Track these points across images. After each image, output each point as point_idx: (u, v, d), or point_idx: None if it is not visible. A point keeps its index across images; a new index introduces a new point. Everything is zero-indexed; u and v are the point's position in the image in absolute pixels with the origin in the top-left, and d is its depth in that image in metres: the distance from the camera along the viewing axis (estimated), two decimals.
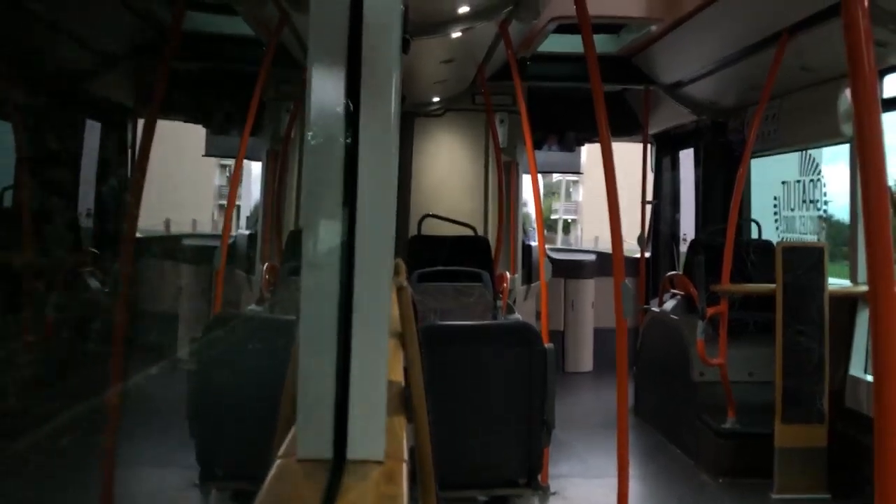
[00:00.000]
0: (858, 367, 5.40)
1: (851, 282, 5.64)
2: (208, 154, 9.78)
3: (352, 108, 1.38)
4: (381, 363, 1.42)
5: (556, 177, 30.61)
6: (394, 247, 1.48)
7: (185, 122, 8.59)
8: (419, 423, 1.86)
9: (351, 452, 1.40)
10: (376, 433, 1.40)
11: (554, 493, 5.11)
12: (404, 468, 1.43)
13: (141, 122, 6.64)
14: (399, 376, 2.17)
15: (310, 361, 1.42)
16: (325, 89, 1.39)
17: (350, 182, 1.40)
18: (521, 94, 5.53)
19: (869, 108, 1.62)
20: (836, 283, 5.51)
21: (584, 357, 9.05)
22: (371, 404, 1.41)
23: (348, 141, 1.40)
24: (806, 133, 6.12)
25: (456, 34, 4.96)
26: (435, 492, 1.94)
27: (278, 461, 1.41)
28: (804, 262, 5.24)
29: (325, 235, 1.48)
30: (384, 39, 1.36)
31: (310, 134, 1.42)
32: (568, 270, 9.00)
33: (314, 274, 1.48)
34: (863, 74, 1.61)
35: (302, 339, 1.42)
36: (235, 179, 6.00)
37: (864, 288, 5.48)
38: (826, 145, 6.15)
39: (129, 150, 8.12)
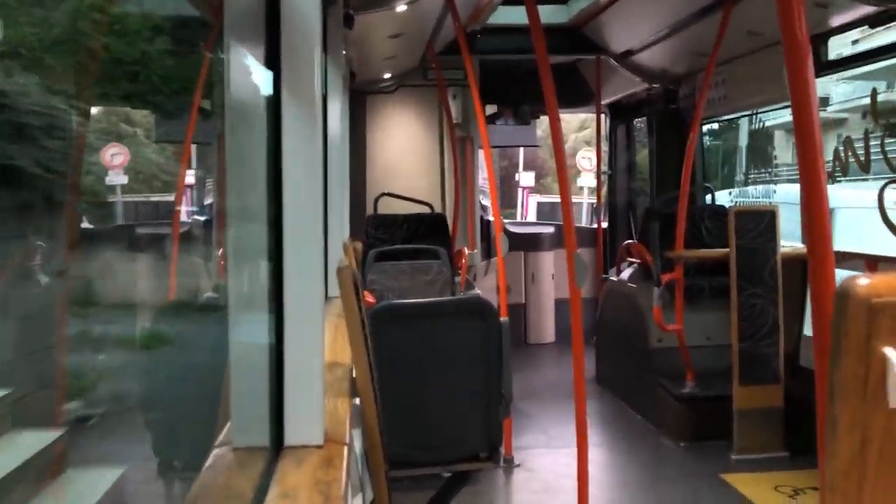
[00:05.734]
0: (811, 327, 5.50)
1: (803, 243, 5.72)
2: (158, 140, 9.57)
3: (272, 81, 1.33)
4: (316, 347, 1.39)
5: None
6: (330, 224, 1.44)
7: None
8: (365, 403, 1.84)
9: (288, 438, 1.37)
10: (314, 418, 1.38)
11: (517, 465, 5.15)
12: (345, 451, 1.40)
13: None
14: (347, 358, 2.13)
15: (242, 349, 1.38)
16: (243, 65, 1.33)
17: (275, 161, 1.35)
18: (471, 69, 5.48)
19: (802, 72, 1.61)
20: (788, 244, 5.59)
21: (545, 329, 9.11)
22: (307, 389, 1.38)
23: (271, 117, 1.35)
24: (754, 98, 6.17)
25: (401, 8, 4.89)
26: (385, 470, 1.92)
27: (214, 450, 1.38)
28: (756, 226, 5.31)
29: (252, 217, 1.44)
30: (302, 8, 1.31)
31: (229, 111, 1.37)
32: (527, 244, 9.02)
33: (242, 258, 1.44)
34: (794, 36, 1.60)
35: (232, 326, 1.39)
36: (185, 163, 5.88)
37: None
38: (773, 109, 6.21)
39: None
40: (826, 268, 1.35)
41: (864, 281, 0.57)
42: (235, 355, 1.39)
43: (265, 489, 1.19)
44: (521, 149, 20.15)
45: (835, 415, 0.54)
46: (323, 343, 1.41)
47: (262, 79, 1.33)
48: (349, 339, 1.84)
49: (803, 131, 1.56)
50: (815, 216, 1.46)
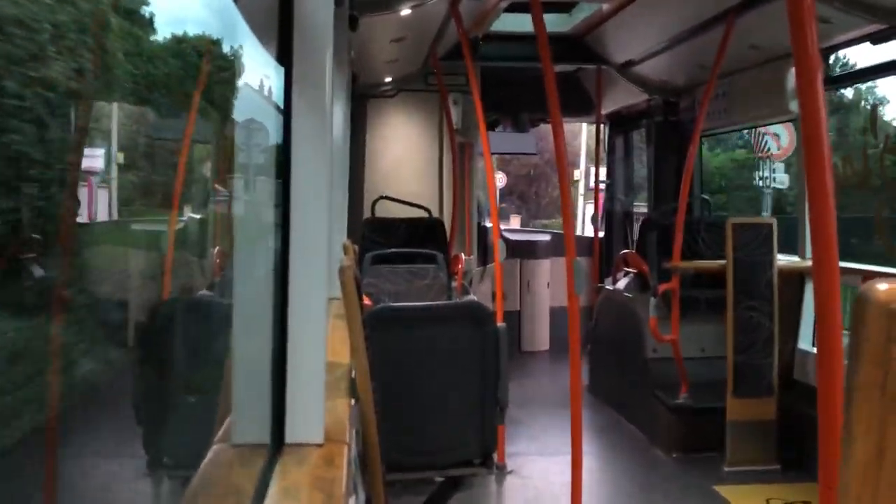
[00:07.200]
0: (806, 341, 5.51)
1: (799, 257, 5.73)
2: (156, 137, 9.53)
3: (283, 77, 1.33)
4: (319, 345, 1.39)
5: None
6: (331, 225, 1.43)
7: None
8: (364, 404, 1.83)
9: (289, 436, 1.36)
10: (315, 416, 1.37)
11: (510, 472, 5.14)
12: (345, 450, 1.40)
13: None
14: (345, 358, 2.13)
15: (245, 345, 1.38)
16: (255, 61, 1.33)
17: (285, 159, 1.35)
18: (473, 75, 5.49)
19: (812, 86, 1.62)
20: (784, 258, 5.60)
21: (540, 336, 9.10)
22: (309, 387, 1.37)
23: (281, 114, 1.35)
24: (755, 111, 6.18)
25: (405, 11, 4.89)
26: (381, 473, 1.91)
27: (214, 447, 1.37)
28: (754, 238, 5.32)
29: (259, 215, 1.44)
30: (316, 8, 1.31)
31: (238, 111, 1.37)
32: (523, 251, 9.03)
33: (247, 255, 1.44)
34: (806, 51, 1.61)
35: (236, 323, 1.38)
36: (183, 161, 5.87)
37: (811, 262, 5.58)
38: (774, 123, 6.23)
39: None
40: (831, 275, 1.36)
41: (883, 286, 0.57)
42: (238, 353, 1.38)
43: (266, 486, 1.18)
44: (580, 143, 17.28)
45: (851, 419, 0.54)
46: (325, 342, 1.41)
47: (273, 74, 1.33)
48: (350, 339, 1.84)
49: (811, 144, 1.56)
50: (822, 226, 1.46)
